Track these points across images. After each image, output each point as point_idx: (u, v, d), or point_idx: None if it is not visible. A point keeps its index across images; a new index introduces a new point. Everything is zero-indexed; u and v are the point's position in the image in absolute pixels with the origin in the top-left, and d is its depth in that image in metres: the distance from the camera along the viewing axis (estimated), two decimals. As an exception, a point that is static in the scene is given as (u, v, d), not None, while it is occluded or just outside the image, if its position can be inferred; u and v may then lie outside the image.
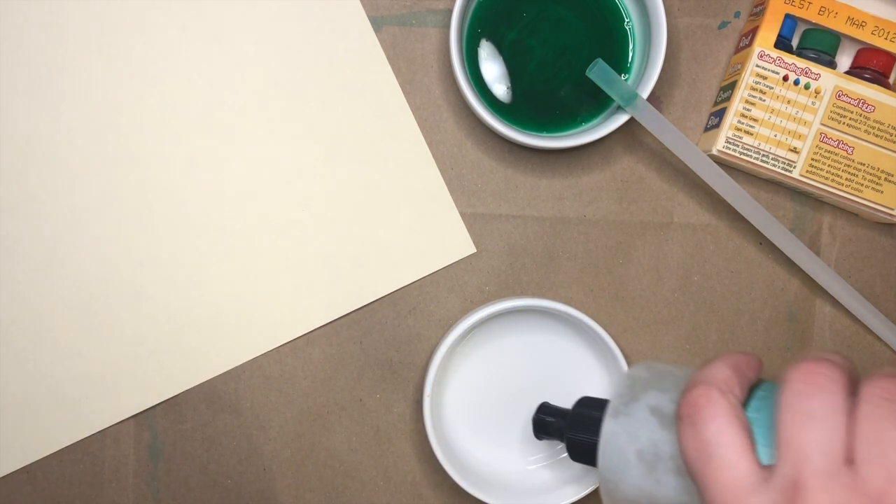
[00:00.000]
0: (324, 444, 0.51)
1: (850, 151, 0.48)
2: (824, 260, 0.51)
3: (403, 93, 0.50)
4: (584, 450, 0.40)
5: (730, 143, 0.48)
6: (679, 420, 0.33)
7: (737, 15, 0.51)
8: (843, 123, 0.48)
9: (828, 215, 0.51)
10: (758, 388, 0.35)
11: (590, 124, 0.49)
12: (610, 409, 0.37)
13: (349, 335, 0.51)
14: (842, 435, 0.30)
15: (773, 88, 0.48)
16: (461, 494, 0.49)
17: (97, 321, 0.50)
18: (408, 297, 0.51)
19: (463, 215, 0.51)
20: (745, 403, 0.34)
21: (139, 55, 0.49)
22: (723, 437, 0.32)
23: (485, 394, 0.50)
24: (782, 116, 0.48)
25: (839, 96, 0.48)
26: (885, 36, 0.48)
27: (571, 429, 0.42)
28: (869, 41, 0.48)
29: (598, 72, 0.45)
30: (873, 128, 0.48)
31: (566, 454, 0.50)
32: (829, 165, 0.48)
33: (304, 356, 0.51)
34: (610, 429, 0.37)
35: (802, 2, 0.48)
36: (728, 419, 0.32)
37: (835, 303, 0.51)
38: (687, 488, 0.35)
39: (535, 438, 0.51)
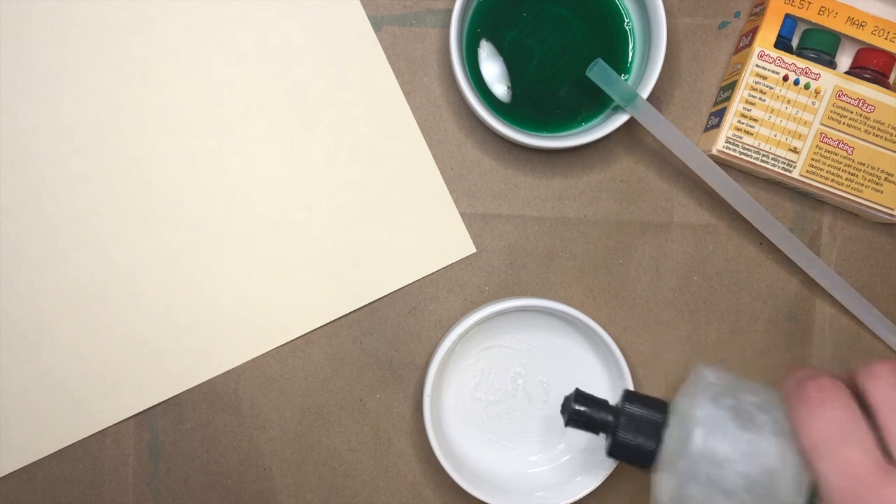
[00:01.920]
0: (324, 444, 0.51)
1: (850, 151, 0.48)
2: (824, 260, 0.51)
3: (403, 93, 0.50)
4: (635, 452, 0.40)
5: (730, 143, 0.48)
6: (803, 400, 0.35)
7: (737, 15, 0.51)
8: (843, 123, 0.48)
9: (828, 215, 0.51)
10: None
11: (590, 124, 0.49)
12: (701, 418, 0.37)
13: (349, 335, 0.51)
14: None
15: (773, 88, 0.48)
16: (461, 494, 0.49)
17: (97, 321, 0.50)
18: (408, 297, 0.51)
19: (463, 215, 0.51)
20: None
21: (139, 55, 0.49)
22: (855, 421, 0.34)
23: (485, 394, 0.50)
24: (782, 116, 0.48)
25: (839, 96, 0.48)
26: (885, 36, 0.48)
27: (624, 429, 0.40)
28: (869, 41, 0.48)
29: (598, 72, 0.45)
30: (873, 128, 0.48)
31: (567, 456, 0.50)
32: (828, 165, 0.48)
33: (304, 356, 0.51)
34: (702, 434, 0.37)
35: (802, 2, 0.48)
36: (854, 407, 0.34)
37: (835, 303, 0.51)
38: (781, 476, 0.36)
39: (535, 438, 0.51)
